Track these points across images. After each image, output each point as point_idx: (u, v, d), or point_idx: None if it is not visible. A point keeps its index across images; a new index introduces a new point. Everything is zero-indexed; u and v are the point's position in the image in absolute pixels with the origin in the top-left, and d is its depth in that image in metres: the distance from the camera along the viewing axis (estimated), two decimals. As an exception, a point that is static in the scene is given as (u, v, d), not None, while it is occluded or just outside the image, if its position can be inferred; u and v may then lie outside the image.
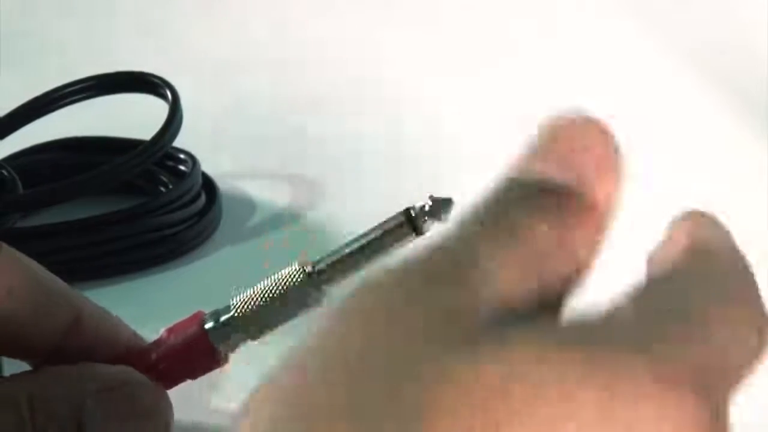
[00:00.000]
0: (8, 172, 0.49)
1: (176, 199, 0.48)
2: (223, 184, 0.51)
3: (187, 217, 0.48)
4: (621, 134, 0.55)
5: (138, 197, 0.49)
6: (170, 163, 0.51)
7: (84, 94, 0.50)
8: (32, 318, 0.35)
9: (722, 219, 0.27)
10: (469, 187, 0.57)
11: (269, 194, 0.52)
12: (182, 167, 0.50)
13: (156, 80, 0.49)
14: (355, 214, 0.51)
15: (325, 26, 0.68)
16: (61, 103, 0.50)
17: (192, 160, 0.50)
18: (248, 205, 0.51)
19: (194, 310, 0.43)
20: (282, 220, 0.51)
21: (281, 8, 0.71)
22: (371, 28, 0.68)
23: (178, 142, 0.49)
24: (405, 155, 0.56)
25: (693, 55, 0.64)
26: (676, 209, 0.53)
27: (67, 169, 0.51)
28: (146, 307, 0.45)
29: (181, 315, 0.40)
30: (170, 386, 0.37)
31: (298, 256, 0.36)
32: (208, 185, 0.51)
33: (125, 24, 0.70)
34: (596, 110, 0.62)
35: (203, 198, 0.50)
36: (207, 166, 0.51)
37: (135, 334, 0.37)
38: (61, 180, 0.48)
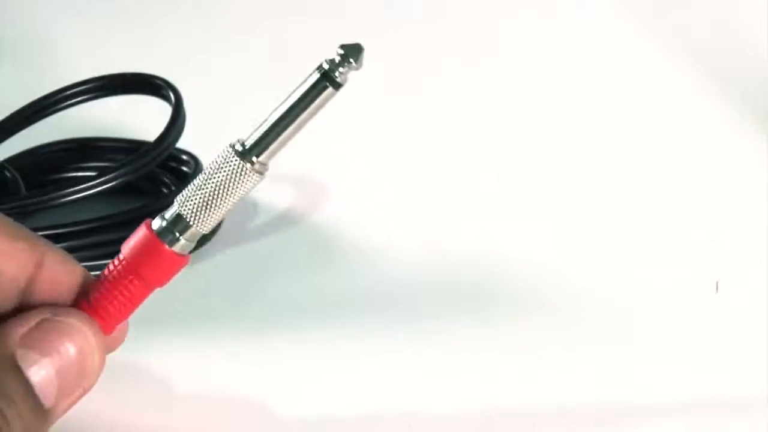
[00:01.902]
0: (11, 172, 0.49)
1: (179, 200, 0.48)
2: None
3: (190, 219, 0.48)
4: (621, 134, 0.55)
5: (140, 199, 0.49)
6: (173, 165, 0.51)
7: (87, 96, 0.50)
8: None
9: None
10: (473, 188, 0.58)
11: (271, 196, 0.52)
12: (185, 168, 0.50)
13: (159, 82, 0.49)
14: (358, 216, 0.51)
15: (326, 27, 0.68)
16: (65, 104, 0.50)
17: (194, 161, 0.50)
18: (250, 206, 0.52)
19: (196, 312, 0.43)
20: (285, 221, 0.51)
21: (282, 8, 0.71)
22: (373, 28, 0.68)
23: (181, 143, 0.49)
24: (408, 156, 0.56)
25: (693, 55, 0.64)
26: (677, 208, 0.53)
27: (69, 170, 0.52)
28: (148, 308, 0.45)
29: (182, 317, 0.40)
30: (142, 299, 0.36)
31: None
32: (211, 186, 0.51)
33: (128, 25, 0.70)
34: (597, 110, 0.62)
35: (206, 199, 0.50)
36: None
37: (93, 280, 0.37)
38: (63, 181, 0.48)
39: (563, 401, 0.40)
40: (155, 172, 0.50)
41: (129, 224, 0.47)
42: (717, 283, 0.45)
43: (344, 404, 0.40)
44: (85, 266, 0.46)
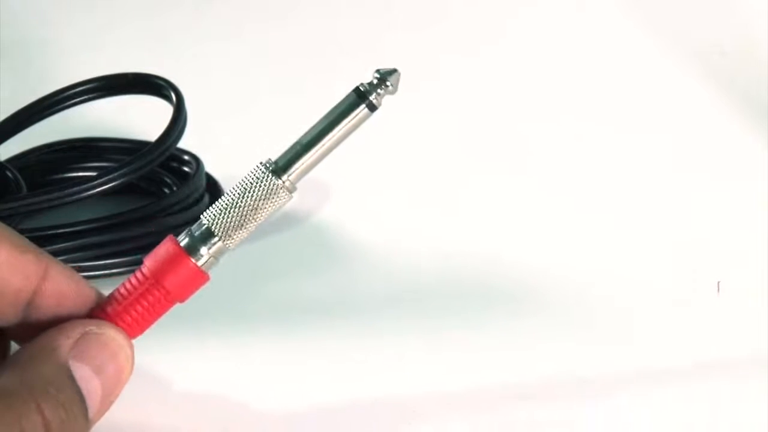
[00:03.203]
0: (12, 173, 0.49)
1: (180, 200, 0.48)
2: (227, 186, 0.51)
3: (191, 219, 0.48)
4: (621, 134, 0.55)
5: (141, 199, 0.49)
6: (174, 165, 0.51)
7: (88, 96, 0.50)
8: (3, 275, 0.35)
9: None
10: (473, 188, 0.58)
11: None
12: (186, 168, 0.50)
13: (161, 82, 0.49)
14: (359, 216, 0.51)
15: (326, 27, 0.68)
16: (66, 104, 0.50)
17: (196, 161, 0.50)
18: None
19: (195, 312, 0.43)
20: (286, 221, 0.51)
21: (284, 8, 0.71)
22: (374, 29, 0.68)
23: (182, 144, 0.49)
24: (409, 156, 0.56)
25: (694, 55, 0.64)
26: (678, 208, 0.53)
27: (71, 170, 0.52)
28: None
29: (184, 317, 0.40)
30: (162, 312, 0.36)
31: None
32: (213, 187, 0.51)
33: (129, 25, 0.70)
34: (597, 110, 0.62)
35: (207, 200, 0.50)
36: (211, 168, 0.51)
37: (100, 293, 0.37)
38: (64, 181, 0.48)
39: (564, 401, 0.40)
40: (156, 172, 0.50)
41: (129, 225, 0.47)
42: (718, 283, 0.46)
43: (345, 403, 0.41)
44: (87, 266, 0.46)
